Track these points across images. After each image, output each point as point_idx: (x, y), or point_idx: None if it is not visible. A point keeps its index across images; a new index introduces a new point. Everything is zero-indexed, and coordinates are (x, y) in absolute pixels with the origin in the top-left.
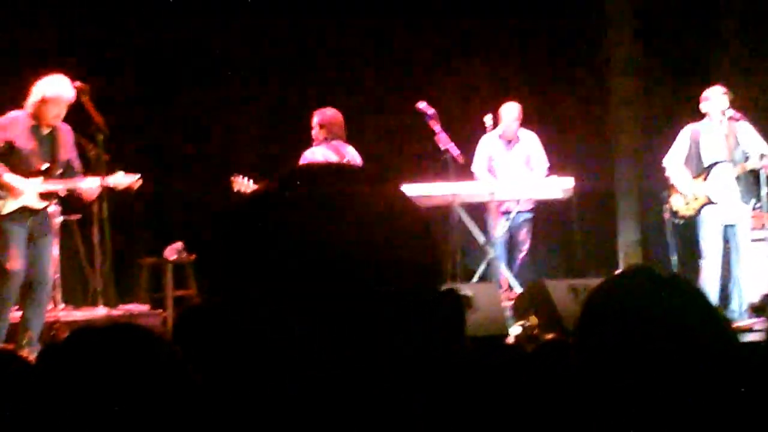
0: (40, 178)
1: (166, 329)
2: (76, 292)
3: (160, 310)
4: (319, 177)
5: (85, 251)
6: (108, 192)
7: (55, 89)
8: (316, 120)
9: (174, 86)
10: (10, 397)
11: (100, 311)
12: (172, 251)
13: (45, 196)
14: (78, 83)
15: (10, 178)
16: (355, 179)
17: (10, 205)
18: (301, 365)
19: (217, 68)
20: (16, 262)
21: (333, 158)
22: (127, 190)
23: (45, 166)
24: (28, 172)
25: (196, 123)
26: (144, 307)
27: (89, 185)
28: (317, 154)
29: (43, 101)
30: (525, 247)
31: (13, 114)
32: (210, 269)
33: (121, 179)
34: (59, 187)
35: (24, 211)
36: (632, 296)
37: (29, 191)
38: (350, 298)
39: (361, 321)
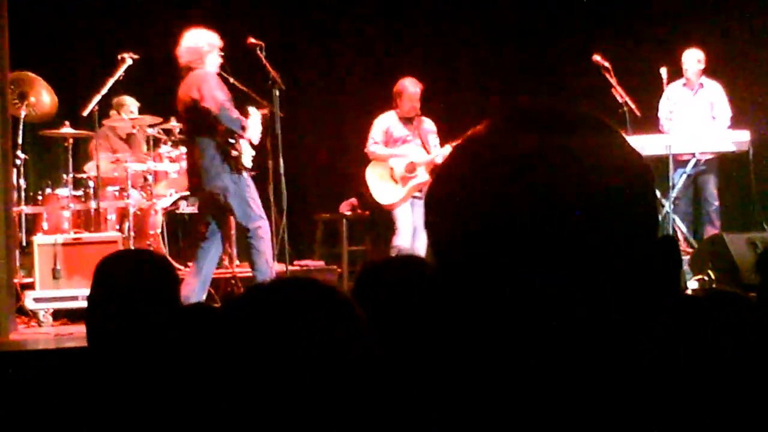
0: None
1: (342, 284)
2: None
3: (335, 266)
4: (537, 121)
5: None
6: (283, 149)
7: (212, 36)
8: None
9: (346, 41)
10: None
11: (276, 267)
12: (347, 207)
13: None
14: (253, 39)
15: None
16: (578, 125)
17: (249, 157)
18: (507, 327)
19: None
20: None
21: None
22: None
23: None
24: None
25: (370, 80)
26: (319, 263)
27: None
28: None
29: (210, 49)
30: (711, 198)
31: (203, 71)
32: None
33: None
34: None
35: None
36: None
37: (257, 131)
38: (576, 252)
39: (590, 271)
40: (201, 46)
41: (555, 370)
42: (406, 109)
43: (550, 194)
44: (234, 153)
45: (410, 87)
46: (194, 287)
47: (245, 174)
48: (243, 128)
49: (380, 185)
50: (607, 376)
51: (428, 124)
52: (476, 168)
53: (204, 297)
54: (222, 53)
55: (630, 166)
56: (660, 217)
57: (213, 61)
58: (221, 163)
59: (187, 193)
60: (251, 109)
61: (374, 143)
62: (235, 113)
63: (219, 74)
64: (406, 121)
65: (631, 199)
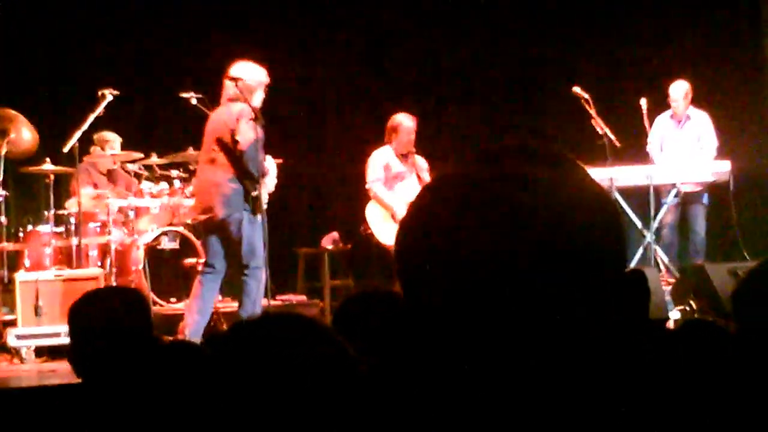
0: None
1: (323, 319)
2: (233, 284)
3: (318, 300)
4: (505, 158)
5: None
6: None
7: (262, 73)
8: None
9: (328, 76)
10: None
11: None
12: (329, 241)
13: None
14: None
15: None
16: (544, 161)
17: (265, 200)
18: (477, 356)
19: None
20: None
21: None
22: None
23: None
24: None
25: (352, 114)
26: (301, 297)
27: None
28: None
29: (257, 86)
30: (698, 228)
31: (247, 108)
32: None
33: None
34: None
35: None
36: None
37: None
38: (540, 285)
39: (554, 306)
40: (253, 83)
41: (524, 410)
42: (403, 143)
43: (517, 231)
44: (254, 193)
45: (406, 121)
46: (200, 324)
47: (259, 217)
48: (263, 174)
49: (383, 226)
50: (576, 410)
51: (421, 162)
52: (443, 209)
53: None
54: (267, 90)
55: (596, 201)
56: (642, 248)
57: (259, 98)
58: (242, 199)
59: (169, 228)
60: (268, 158)
61: (376, 180)
62: (260, 157)
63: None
64: (402, 157)
65: (597, 234)
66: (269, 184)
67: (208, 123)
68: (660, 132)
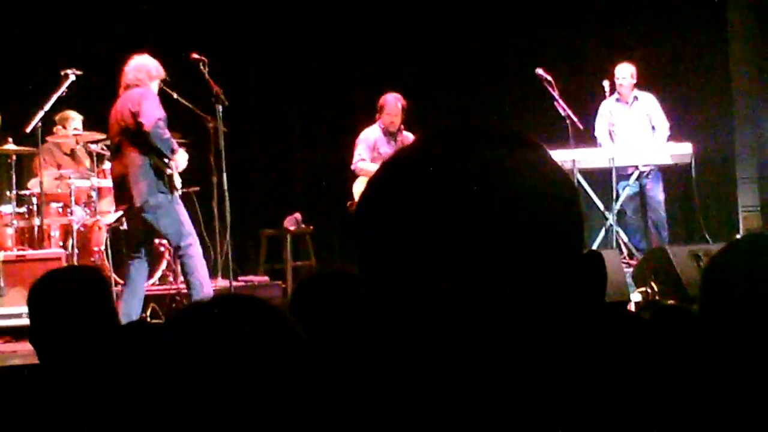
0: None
1: (286, 300)
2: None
3: (280, 281)
4: (463, 138)
5: (204, 223)
6: (227, 164)
7: (160, 67)
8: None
9: (291, 56)
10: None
11: (220, 283)
12: (291, 222)
13: None
14: (196, 55)
15: (180, 152)
16: (501, 141)
17: (179, 179)
18: (434, 341)
19: (335, 42)
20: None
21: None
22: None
23: None
24: None
25: (313, 95)
26: (264, 278)
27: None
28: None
29: (156, 75)
30: (659, 207)
31: (147, 89)
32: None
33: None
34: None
35: None
36: (755, 261)
37: (185, 161)
38: (494, 266)
39: (508, 286)
40: (150, 68)
41: (480, 390)
42: (386, 123)
43: (472, 211)
44: (168, 171)
45: (391, 101)
46: (136, 306)
47: (176, 194)
48: (173, 150)
49: None
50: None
51: (410, 139)
52: (402, 184)
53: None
54: (163, 83)
55: (554, 181)
56: (603, 230)
57: (155, 88)
58: (155, 181)
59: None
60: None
61: (361, 160)
62: (167, 134)
63: (161, 92)
64: (390, 135)
65: (554, 214)
66: (180, 163)
67: (111, 116)
68: (608, 117)
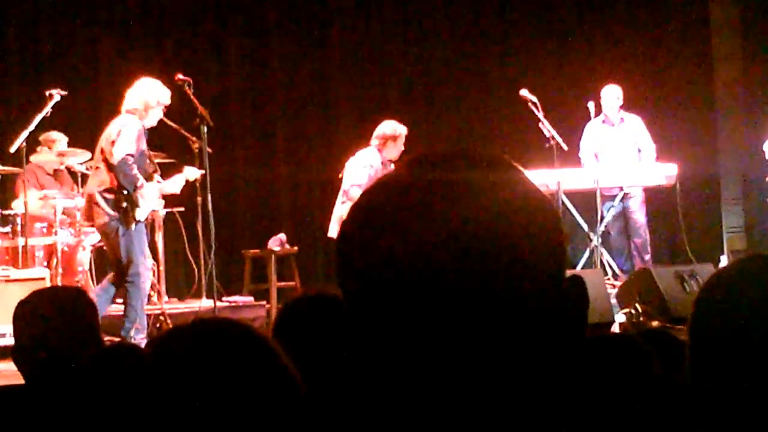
0: (154, 180)
1: (270, 321)
2: (180, 285)
3: (264, 302)
4: (443, 163)
5: (189, 243)
6: (212, 184)
7: (165, 94)
8: None
9: (276, 76)
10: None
11: (205, 303)
12: (276, 242)
13: (163, 197)
14: (181, 75)
15: (148, 187)
16: (482, 165)
17: (144, 211)
18: (416, 364)
19: (320, 60)
20: (149, 260)
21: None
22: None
23: (153, 168)
24: (146, 176)
25: (300, 117)
26: (248, 299)
27: (178, 184)
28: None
29: (156, 105)
30: (642, 230)
31: (136, 120)
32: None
33: (194, 173)
34: (174, 187)
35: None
36: (750, 286)
37: (156, 195)
38: (479, 292)
39: (492, 311)
40: (149, 100)
41: (461, 411)
42: (396, 153)
43: (453, 236)
44: (124, 204)
45: (404, 132)
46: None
47: (135, 225)
48: (135, 187)
49: None
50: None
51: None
52: (380, 213)
53: None
54: (166, 110)
55: (534, 205)
56: (588, 251)
57: (154, 116)
58: (113, 209)
59: None
60: (187, 168)
61: (358, 187)
62: (133, 171)
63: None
64: (386, 164)
65: (535, 238)
66: (147, 195)
67: (100, 134)
68: (593, 138)
